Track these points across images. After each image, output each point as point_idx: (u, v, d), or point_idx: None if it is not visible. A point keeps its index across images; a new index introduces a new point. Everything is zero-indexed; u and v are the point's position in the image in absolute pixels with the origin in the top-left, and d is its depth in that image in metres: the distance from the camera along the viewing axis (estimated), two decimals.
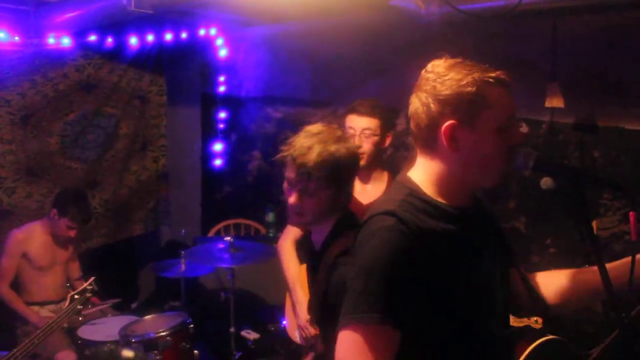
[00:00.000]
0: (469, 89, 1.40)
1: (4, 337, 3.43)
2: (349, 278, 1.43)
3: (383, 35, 3.77)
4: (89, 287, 2.77)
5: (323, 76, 4.53)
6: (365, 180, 2.94)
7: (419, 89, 1.48)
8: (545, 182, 1.51)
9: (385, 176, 2.95)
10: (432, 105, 1.44)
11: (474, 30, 3.16)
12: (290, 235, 3.01)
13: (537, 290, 1.65)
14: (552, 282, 1.68)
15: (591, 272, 1.55)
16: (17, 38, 3.80)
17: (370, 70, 4.13)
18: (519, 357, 1.50)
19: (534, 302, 1.62)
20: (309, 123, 4.78)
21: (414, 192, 1.47)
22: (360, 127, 2.78)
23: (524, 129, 3.36)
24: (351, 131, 2.78)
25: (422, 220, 1.41)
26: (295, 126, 4.77)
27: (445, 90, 1.42)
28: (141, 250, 5.29)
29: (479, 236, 1.52)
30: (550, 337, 1.54)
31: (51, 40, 3.97)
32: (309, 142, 1.85)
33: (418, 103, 1.47)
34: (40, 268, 3.72)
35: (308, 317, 2.65)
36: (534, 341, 1.53)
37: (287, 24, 4.28)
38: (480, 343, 1.46)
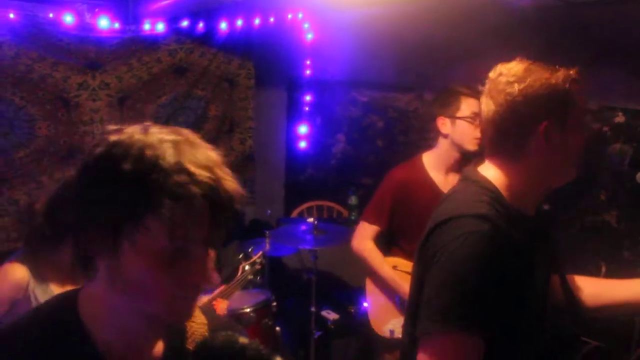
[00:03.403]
0: (562, 86, 1.39)
1: None
2: (434, 281, 1.36)
3: (472, 19, 3.69)
4: (258, 260, 2.93)
5: (409, 60, 4.49)
6: (448, 170, 2.82)
7: (494, 93, 1.43)
8: None
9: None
10: (521, 108, 1.40)
11: (567, 15, 3.03)
12: (367, 235, 2.94)
13: (574, 294, 1.62)
14: (590, 288, 1.67)
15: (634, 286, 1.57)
16: (116, 25, 4.00)
17: (457, 55, 4.05)
18: None
19: (570, 305, 1.60)
20: (394, 108, 4.79)
21: (496, 196, 1.43)
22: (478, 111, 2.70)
23: (620, 118, 3.20)
24: (474, 116, 2.62)
25: (507, 227, 1.38)
26: (380, 110, 4.81)
27: (535, 90, 1.39)
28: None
29: (539, 244, 1.51)
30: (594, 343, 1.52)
31: (147, 27, 4.14)
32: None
33: (499, 108, 1.42)
34: None
35: None
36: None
37: (374, 8, 4.26)
38: (541, 347, 1.46)
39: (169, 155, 0.93)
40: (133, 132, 0.97)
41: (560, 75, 1.39)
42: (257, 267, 2.85)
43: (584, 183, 2.94)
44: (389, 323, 2.86)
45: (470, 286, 1.30)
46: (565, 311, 1.60)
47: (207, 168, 0.97)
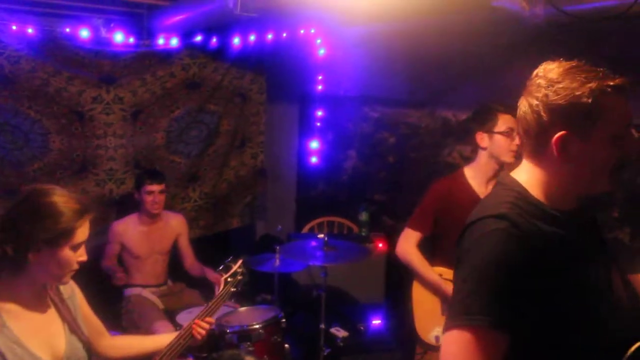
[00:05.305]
0: (585, 100, 1.34)
1: (111, 318, 3.65)
2: (457, 280, 1.42)
3: (484, 35, 3.69)
4: (239, 270, 2.82)
5: (421, 76, 4.49)
6: (489, 180, 2.97)
7: (529, 94, 1.43)
8: None
9: None
10: (542, 114, 1.39)
11: (582, 31, 3.02)
12: (411, 241, 3.12)
13: (638, 292, 1.62)
14: None
15: None
16: (131, 39, 4.05)
17: (470, 71, 4.06)
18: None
19: (633, 303, 1.59)
20: (406, 124, 4.78)
21: (521, 195, 1.45)
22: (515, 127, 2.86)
23: (636, 134, 3.17)
24: (509, 131, 2.86)
25: (532, 223, 1.39)
26: (392, 126, 4.81)
27: (558, 99, 1.36)
28: (237, 243, 5.47)
29: (584, 238, 1.49)
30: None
31: (161, 41, 4.19)
32: None
33: (528, 109, 1.43)
34: (138, 257, 3.98)
35: None
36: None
37: (386, 24, 4.27)
38: (589, 345, 1.42)
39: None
40: None
41: (589, 88, 1.34)
42: (239, 277, 2.77)
43: (597, 200, 2.90)
44: (434, 330, 3.01)
45: (486, 281, 1.34)
46: (629, 310, 1.58)
47: None
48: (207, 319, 2.46)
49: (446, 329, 1.38)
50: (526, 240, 1.36)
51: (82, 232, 1.83)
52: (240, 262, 2.78)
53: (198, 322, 2.42)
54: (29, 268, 1.77)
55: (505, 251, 1.34)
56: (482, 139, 2.95)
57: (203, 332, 2.41)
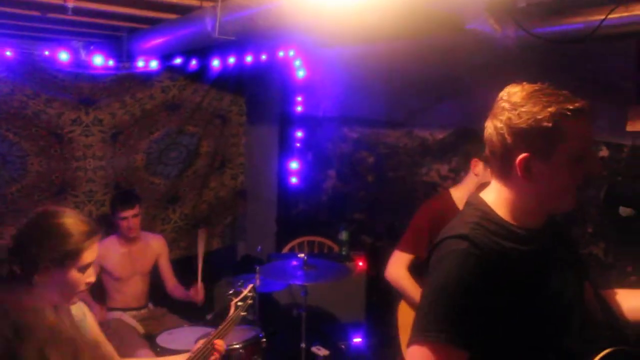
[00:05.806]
0: (545, 124, 1.38)
1: None
2: (421, 298, 1.47)
3: (459, 56, 3.77)
4: (249, 294, 2.82)
5: (398, 97, 4.56)
6: None
7: (494, 117, 1.47)
8: (625, 209, 1.49)
9: None
10: (506, 136, 1.43)
11: (552, 52, 3.12)
12: (402, 264, 3.04)
13: (611, 306, 1.64)
14: (630, 300, 1.68)
15: None
16: (111, 62, 4.07)
17: (446, 92, 4.13)
18: None
19: (607, 317, 1.61)
20: (384, 144, 4.83)
21: (486, 215, 1.50)
22: None
23: (604, 152, 3.26)
24: None
25: (495, 242, 1.44)
26: (371, 146, 4.86)
27: (520, 123, 1.40)
28: (218, 264, 5.45)
29: (551, 254, 1.53)
30: (617, 347, 1.48)
31: (140, 64, 4.22)
32: None
33: (493, 131, 1.47)
34: (119, 279, 3.95)
35: None
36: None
37: (364, 46, 4.35)
38: (553, 358, 1.47)
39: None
40: None
41: (549, 112, 1.37)
42: (249, 301, 2.78)
43: (571, 216, 2.97)
44: None
45: (444, 299, 1.39)
46: (603, 323, 1.62)
47: None
48: (217, 341, 2.49)
49: (408, 344, 1.43)
50: (486, 259, 1.41)
51: (90, 254, 1.85)
52: (250, 287, 2.83)
53: (217, 342, 2.47)
54: (37, 288, 1.78)
55: (465, 271, 1.39)
56: (476, 165, 2.95)
57: (222, 350, 2.46)
